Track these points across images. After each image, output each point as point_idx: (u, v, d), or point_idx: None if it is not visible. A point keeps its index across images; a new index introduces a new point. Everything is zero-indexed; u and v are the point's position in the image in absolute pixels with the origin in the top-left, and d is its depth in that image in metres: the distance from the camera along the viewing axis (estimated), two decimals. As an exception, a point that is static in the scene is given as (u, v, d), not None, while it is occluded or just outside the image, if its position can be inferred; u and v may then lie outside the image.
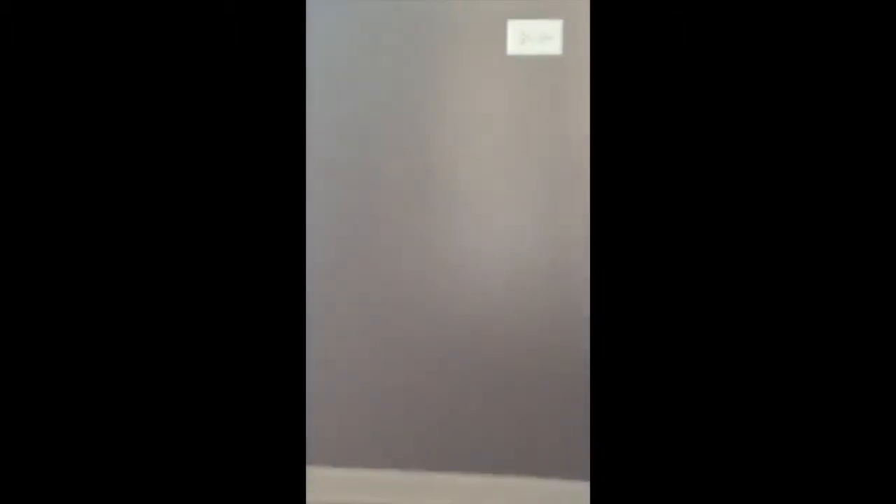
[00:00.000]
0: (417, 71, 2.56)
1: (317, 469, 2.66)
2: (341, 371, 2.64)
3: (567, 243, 2.54)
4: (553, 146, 2.53)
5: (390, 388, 2.63)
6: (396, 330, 2.62)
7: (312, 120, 2.61)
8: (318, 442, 2.66)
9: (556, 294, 2.56)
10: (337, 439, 2.65)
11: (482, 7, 2.52)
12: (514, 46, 2.51)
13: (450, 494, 2.61)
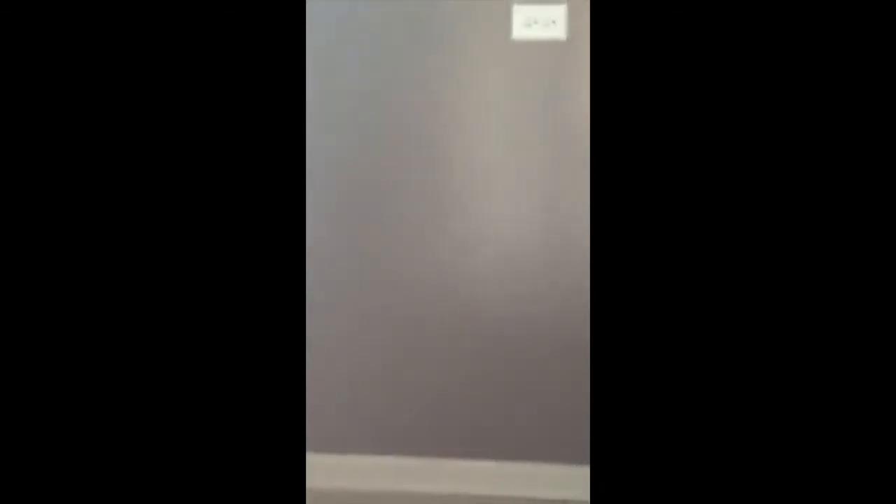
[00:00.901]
0: (421, 53, 2.56)
1: (316, 456, 2.67)
2: (341, 358, 2.65)
3: (571, 229, 2.54)
4: (557, 130, 2.53)
5: (390, 374, 2.64)
6: (397, 317, 2.62)
7: (311, 105, 2.60)
8: (318, 429, 2.66)
9: (558, 280, 2.56)
10: (336, 426, 2.65)
11: (486, -9, 2.53)
12: (518, 31, 2.51)
13: (450, 480, 2.62)
